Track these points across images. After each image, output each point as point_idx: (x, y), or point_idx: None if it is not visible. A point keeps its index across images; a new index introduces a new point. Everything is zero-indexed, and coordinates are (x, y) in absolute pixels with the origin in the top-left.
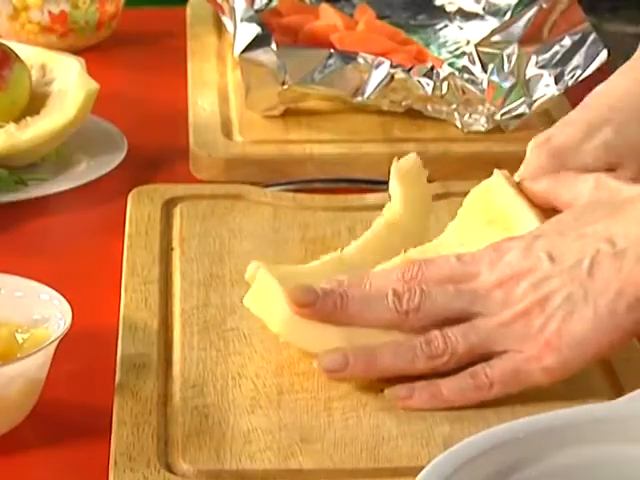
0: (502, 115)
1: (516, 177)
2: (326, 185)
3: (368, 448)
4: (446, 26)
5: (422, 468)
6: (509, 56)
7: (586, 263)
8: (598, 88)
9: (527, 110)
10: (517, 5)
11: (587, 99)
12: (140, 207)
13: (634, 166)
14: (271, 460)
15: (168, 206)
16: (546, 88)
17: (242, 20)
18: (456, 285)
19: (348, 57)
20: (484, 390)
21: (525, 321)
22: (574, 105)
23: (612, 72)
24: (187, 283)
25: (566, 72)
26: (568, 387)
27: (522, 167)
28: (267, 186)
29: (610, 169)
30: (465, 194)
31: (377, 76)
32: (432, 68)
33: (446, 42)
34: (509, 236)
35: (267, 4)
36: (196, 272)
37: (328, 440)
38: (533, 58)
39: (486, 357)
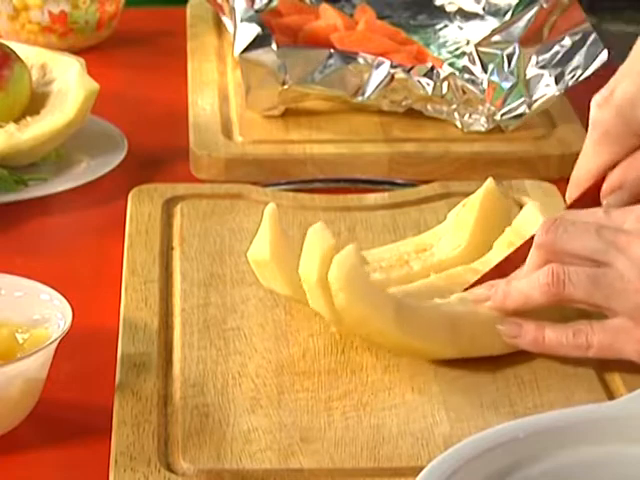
0: (502, 115)
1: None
2: (326, 185)
3: (368, 448)
4: (446, 26)
5: (422, 468)
6: (509, 56)
7: None
8: None
9: (527, 110)
10: (517, 5)
11: (637, 47)
12: (140, 206)
13: None
14: (271, 460)
15: (168, 205)
16: (546, 88)
17: (242, 20)
18: (599, 228)
19: (348, 57)
20: (582, 350)
21: None
22: (574, 105)
23: (613, 72)
24: (187, 282)
25: (566, 72)
26: (568, 387)
27: (590, 130)
28: (267, 186)
29: None
30: (465, 194)
31: (377, 76)
32: (432, 68)
33: (446, 42)
34: None
35: (267, 4)
36: (196, 271)
37: (328, 440)
38: (533, 58)
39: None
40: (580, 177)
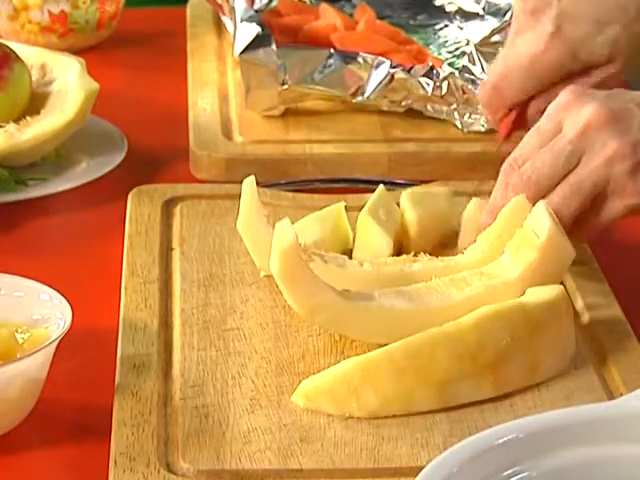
0: None
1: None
2: (326, 185)
3: (368, 448)
4: (446, 26)
5: (422, 468)
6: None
7: None
8: None
9: None
10: None
11: None
12: (140, 207)
13: (622, 62)
14: (271, 460)
15: (168, 206)
16: None
17: (242, 20)
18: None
19: (348, 57)
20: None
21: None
22: None
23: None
24: (187, 283)
25: None
26: (568, 387)
27: (526, 58)
28: (267, 186)
29: (606, 62)
30: (465, 194)
31: (377, 76)
32: (432, 68)
33: (446, 42)
34: None
35: (267, 4)
36: (196, 272)
37: (328, 440)
38: None
39: None
40: (505, 93)
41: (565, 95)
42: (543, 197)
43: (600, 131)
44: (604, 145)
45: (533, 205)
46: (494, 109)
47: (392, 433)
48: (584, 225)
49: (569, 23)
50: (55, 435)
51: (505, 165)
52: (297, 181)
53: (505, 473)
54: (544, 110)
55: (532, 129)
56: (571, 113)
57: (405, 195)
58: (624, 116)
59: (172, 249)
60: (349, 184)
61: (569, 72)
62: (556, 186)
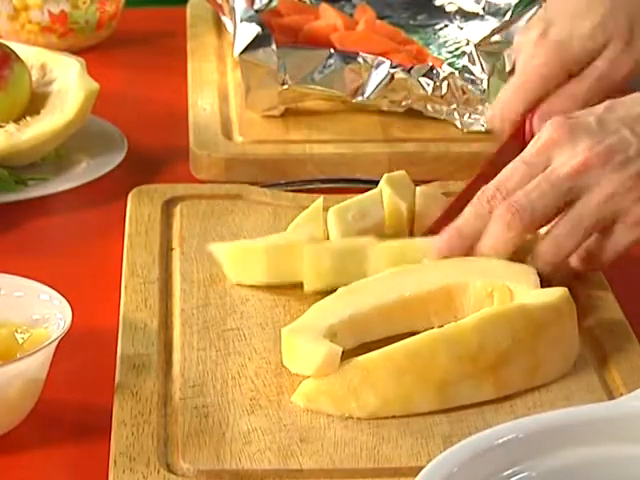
0: None
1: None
2: (326, 185)
3: (368, 448)
4: (446, 26)
5: (422, 468)
6: (509, 56)
7: None
8: None
9: None
10: (517, 5)
11: None
12: (140, 207)
13: (620, 42)
14: (271, 460)
15: (168, 206)
16: None
17: (242, 20)
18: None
19: (348, 57)
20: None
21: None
22: None
23: None
24: (187, 283)
25: None
26: (568, 387)
27: (523, 67)
28: (267, 186)
29: (601, 50)
30: None
31: (377, 76)
32: (432, 68)
33: (446, 42)
34: None
35: (267, 4)
36: (196, 272)
37: (328, 440)
38: None
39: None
40: (506, 114)
41: (553, 128)
42: (534, 229)
43: (598, 169)
44: (605, 182)
45: (520, 235)
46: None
47: (392, 433)
48: (598, 254)
49: (554, 26)
50: (55, 435)
51: (486, 193)
52: (297, 181)
53: (505, 473)
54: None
55: (516, 161)
56: (563, 149)
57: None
58: (620, 149)
59: (172, 249)
60: (349, 184)
61: (568, 73)
62: (549, 221)
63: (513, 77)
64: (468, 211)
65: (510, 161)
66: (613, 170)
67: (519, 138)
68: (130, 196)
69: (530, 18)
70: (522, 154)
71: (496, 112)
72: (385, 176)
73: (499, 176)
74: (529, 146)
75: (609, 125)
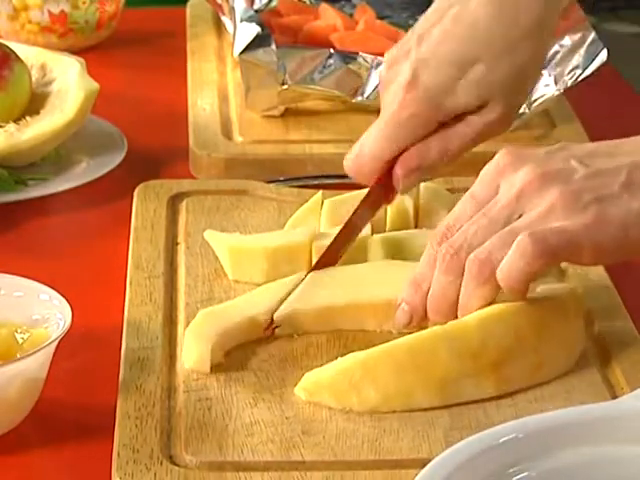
0: None
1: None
2: (328, 181)
3: (369, 440)
4: None
5: (423, 460)
6: None
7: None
8: (454, 11)
9: (527, 110)
10: None
11: (448, 26)
12: (146, 202)
13: (502, 102)
14: (273, 452)
15: (174, 201)
16: (546, 88)
17: (242, 20)
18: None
19: (348, 57)
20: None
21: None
22: (574, 105)
23: (612, 72)
24: (192, 277)
25: (566, 72)
26: (570, 382)
27: (390, 113)
28: (269, 182)
29: (481, 106)
30: (466, 190)
31: (377, 76)
32: None
33: None
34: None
35: (267, 4)
36: (201, 267)
37: (330, 432)
38: None
39: None
40: (365, 162)
41: (500, 159)
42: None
43: (537, 191)
44: (544, 198)
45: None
46: (367, 174)
47: (393, 426)
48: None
49: (427, 69)
50: (55, 435)
51: (436, 233)
52: (301, 177)
53: (505, 473)
54: (415, 163)
55: (465, 196)
56: (506, 178)
57: None
58: (563, 173)
59: (177, 244)
60: (350, 180)
61: (439, 122)
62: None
63: (378, 121)
64: (422, 258)
65: (379, 206)
66: (553, 186)
67: (383, 182)
68: (136, 191)
69: None
70: (472, 187)
71: (360, 157)
72: None
73: (449, 215)
74: (478, 179)
75: (557, 155)
